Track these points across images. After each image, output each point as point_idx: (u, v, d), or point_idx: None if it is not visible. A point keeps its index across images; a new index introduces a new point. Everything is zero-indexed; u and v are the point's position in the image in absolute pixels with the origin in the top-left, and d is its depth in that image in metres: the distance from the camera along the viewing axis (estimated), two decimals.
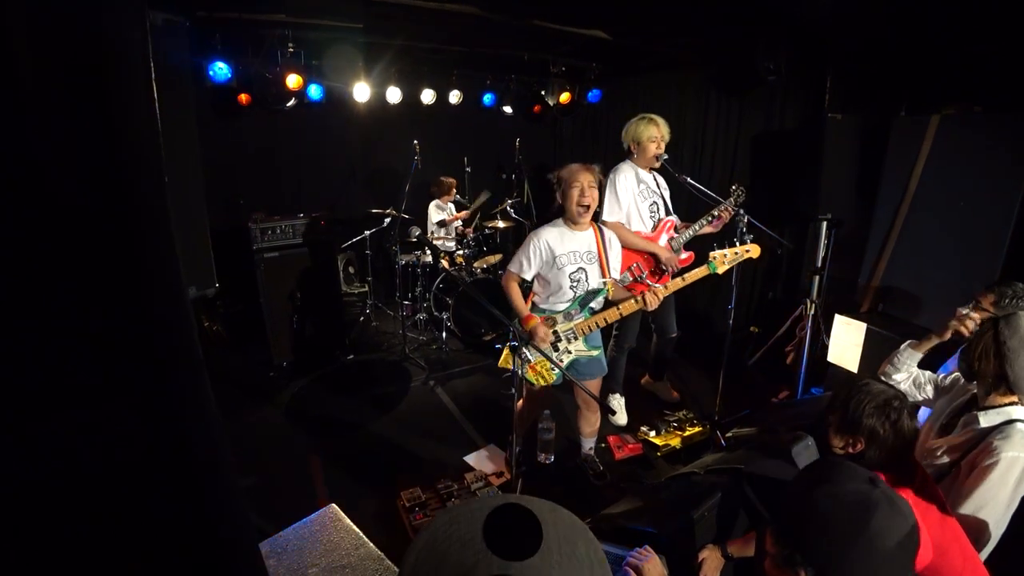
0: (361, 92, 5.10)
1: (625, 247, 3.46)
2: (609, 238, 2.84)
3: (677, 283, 2.79)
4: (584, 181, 2.64)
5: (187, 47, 1.87)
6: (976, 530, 1.65)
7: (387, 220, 5.19)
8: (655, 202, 3.51)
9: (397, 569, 1.51)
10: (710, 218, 3.39)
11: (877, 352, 3.41)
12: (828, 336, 3.84)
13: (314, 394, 4.27)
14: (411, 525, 2.71)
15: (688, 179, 3.38)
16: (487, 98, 6.09)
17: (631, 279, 3.46)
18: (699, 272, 2.82)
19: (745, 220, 3.20)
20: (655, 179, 3.56)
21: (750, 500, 1.28)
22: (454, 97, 5.79)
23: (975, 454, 1.72)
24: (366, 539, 1.48)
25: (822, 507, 1.07)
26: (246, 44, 4.47)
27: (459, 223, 5.62)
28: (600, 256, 2.77)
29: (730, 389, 3.66)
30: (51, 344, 0.51)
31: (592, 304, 2.77)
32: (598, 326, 2.76)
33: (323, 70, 4.93)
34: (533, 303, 2.87)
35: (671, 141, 3.48)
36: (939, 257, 3.40)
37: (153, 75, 0.51)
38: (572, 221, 2.73)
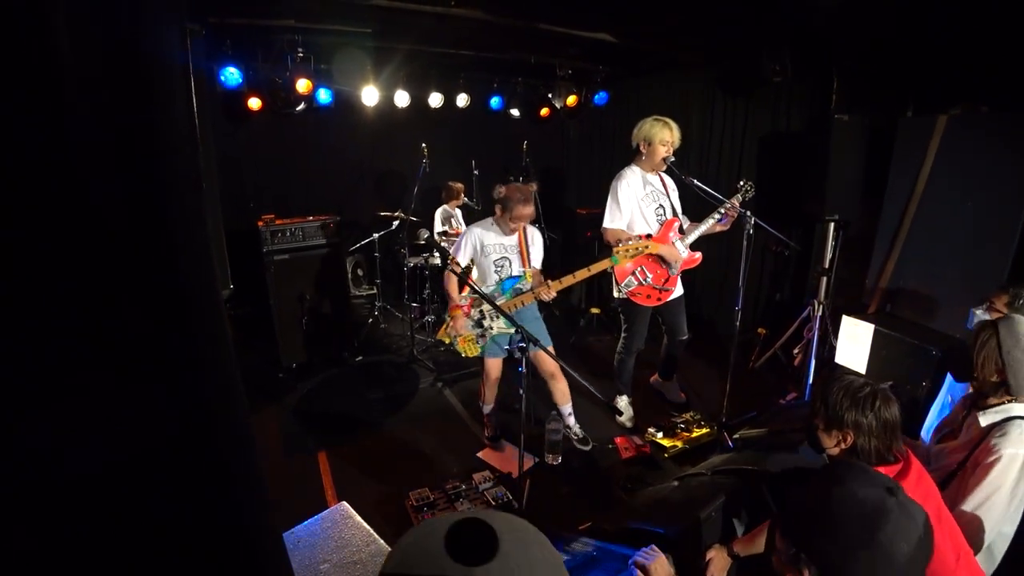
0: (370, 96, 5.15)
1: None
2: (531, 234, 3.30)
3: (583, 273, 3.11)
4: (527, 217, 3.13)
5: (202, 55, 1.91)
6: (973, 527, 1.66)
7: (395, 223, 5.23)
8: (661, 204, 3.51)
9: None
10: (718, 216, 3.39)
11: (885, 353, 3.41)
12: (836, 337, 3.83)
13: (323, 395, 4.31)
14: (420, 523, 2.73)
15: (695, 181, 3.38)
16: (494, 101, 6.13)
17: (636, 283, 3.47)
18: (603, 263, 3.18)
19: (752, 221, 3.21)
20: (662, 181, 3.56)
21: (763, 497, 1.29)
22: (462, 100, 5.83)
23: (977, 453, 1.74)
24: (376, 536, 1.51)
25: (832, 510, 1.06)
26: (256, 50, 4.54)
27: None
28: (522, 250, 3.25)
29: (737, 391, 3.66)
30: (74, 341, 0.54)
31: (515, 287, 3.21)
32: (516, 307, 3.16)
33: (332, 74, 4.98)
34: (471, 287, 3.23)
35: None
36: (947, 258, 3.39)
37: (193, 85, 0.54)
38: (503, 231, 3.21)
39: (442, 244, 5.24)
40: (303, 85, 4.62)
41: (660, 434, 3.51)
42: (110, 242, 0.49)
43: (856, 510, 1.03)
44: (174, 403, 0.62)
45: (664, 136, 3.35)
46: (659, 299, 3.53)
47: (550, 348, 3.17)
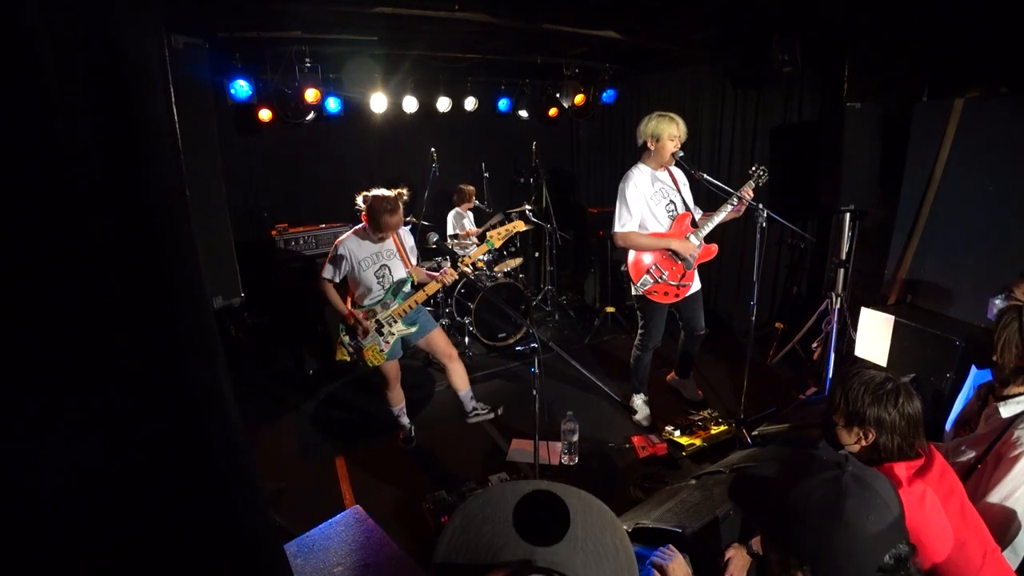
0: (378, 103, 5.19)
1: (640, 252, 3.45)
2: (402, 235, 3.35)
3: (467, 260, 3.41)
4: (395, 226, 3.14)
5: (207, 68, 1.95)
6: (1004, 521, 1.60)
7: (407, 228, 5.25)
8: (672, 200, 3.47)
9: (420, 569, 1.54)
10: (731, 206, 3.34)
11: (906, 345, 3.34)
12: (855, 330, 3.76)
13: (340, 401, 4.34)
14: (436, 527, 2.74)
15: (705, 175, 3.34)
16: (503, 103, 6.13)
17: (652, 281, 3.43)
18: (482, 249, 3.45)
19: (764, 215, 3.16)
20: (671, 175, 3.52)
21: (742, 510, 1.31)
22: (470, 104, 5.84)
23: (1000, 445, 1.68)
24: (389, 539, 1.52)
25: (796, 505, 1.09)
26: (265, 61, 4.59)
27: (475, 237, 5.68)
28: (399, 251, 3.29)
29: (755, 387, 3.60)
30: (64, 342, 0.55)
31: (404, 290, 3.28)
32: (411, 308, 3.25)
33: (341, 83, 5.03)
34: (353, 302, 3.32)
35: (688, 138, 3.44)
36: (968, 245, 3.31)
37: (172, 85, 0.55)
38: (374, 239, 3.21)
39: (454, 247, 5.26)
40: (311, 95, 4.67)
41: (678, 432, 3.48)
42: (92, 246, 0.50)
43: (815, 499, 1.07)
44: (158, 404, 0.62)
45: (672, 131, 3.31)
46: (677, 295, 3.49)
47: (436, 331, 3.46)
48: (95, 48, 0.48)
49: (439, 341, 3.48)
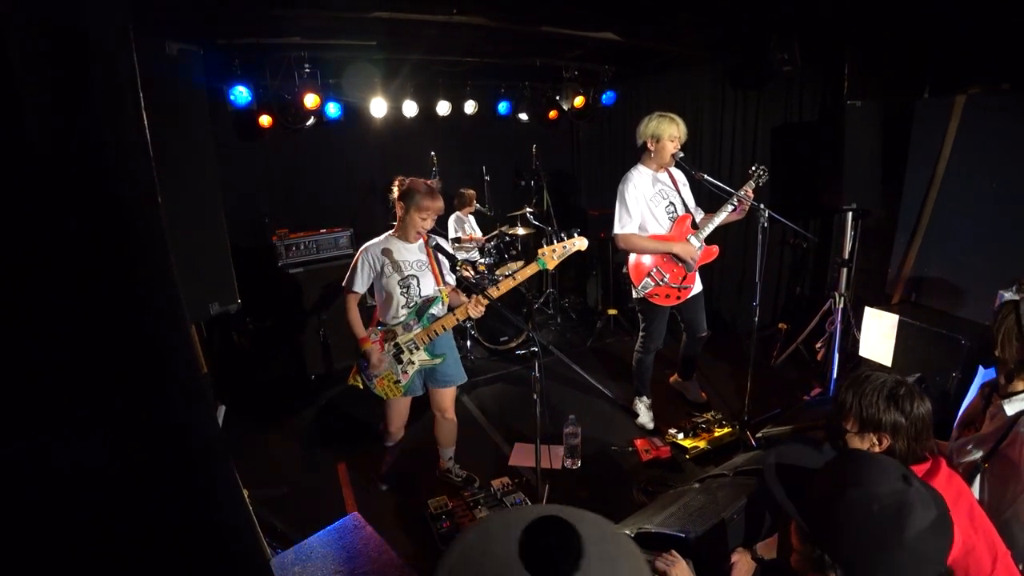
0: (378, 107, 5.19)
1: (640, 254, 3.43)
2: (440, 256, 2.87)
3: (509, 283, 2.80)
4: (434, 211, 2.72)
5: (202, 74, 1.94)
6: None
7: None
8: (672, 202, 3.45)
9: None
10: (732, 205, 3.32)
11: (911, 344, 3.31)
12: (859, 330, 3.73)
13: (342, 406, 4.33)
14: (438, 533, 2.72)
15: (706, 176, 3.32)
16: (502, 107, 6.12)
17: (653, 284, 3.41)
18: (531, 269, 2.81)
19: (766, 215, 3.14)
20: (671, 176, 3.51)
21: (772, 493, 1.24)
22: (469, 107, 5.84)
23: (1006, 445, 1.65)
24: (388, 546, 1.50)
25: (854, 513, 1.03)
26: (265, 67, 4.60)
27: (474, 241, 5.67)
28: (431, 264, 2.84)
29: (759, 388, 3.58)
30: (48, 348, 0.54)
31: (431, 312, 2.82)
32: (437, 334, 2.80)
33: (340, 88, 5.04)
34: (378, 321, 2.90)
35: (688, 138, 3.42)
36: (973, 242, 3.28)
37: (139, 87, 0.54)
38: (406, 240, 2.80)
39: (453, 251, 5.24)
40: (311, 100, 4.67)
41: (681, 435, 3.45)
42: (66, 248, 0.49)
43: (879, 510, 1.01)
44: (164, 410, 0.61)
45: (672, 131, 3.29)
46: (678, 298, 3.47)
47: (453, 389, 3.02)
48: (61, 54, 0.47)
49: (447, 395, 3.03)
